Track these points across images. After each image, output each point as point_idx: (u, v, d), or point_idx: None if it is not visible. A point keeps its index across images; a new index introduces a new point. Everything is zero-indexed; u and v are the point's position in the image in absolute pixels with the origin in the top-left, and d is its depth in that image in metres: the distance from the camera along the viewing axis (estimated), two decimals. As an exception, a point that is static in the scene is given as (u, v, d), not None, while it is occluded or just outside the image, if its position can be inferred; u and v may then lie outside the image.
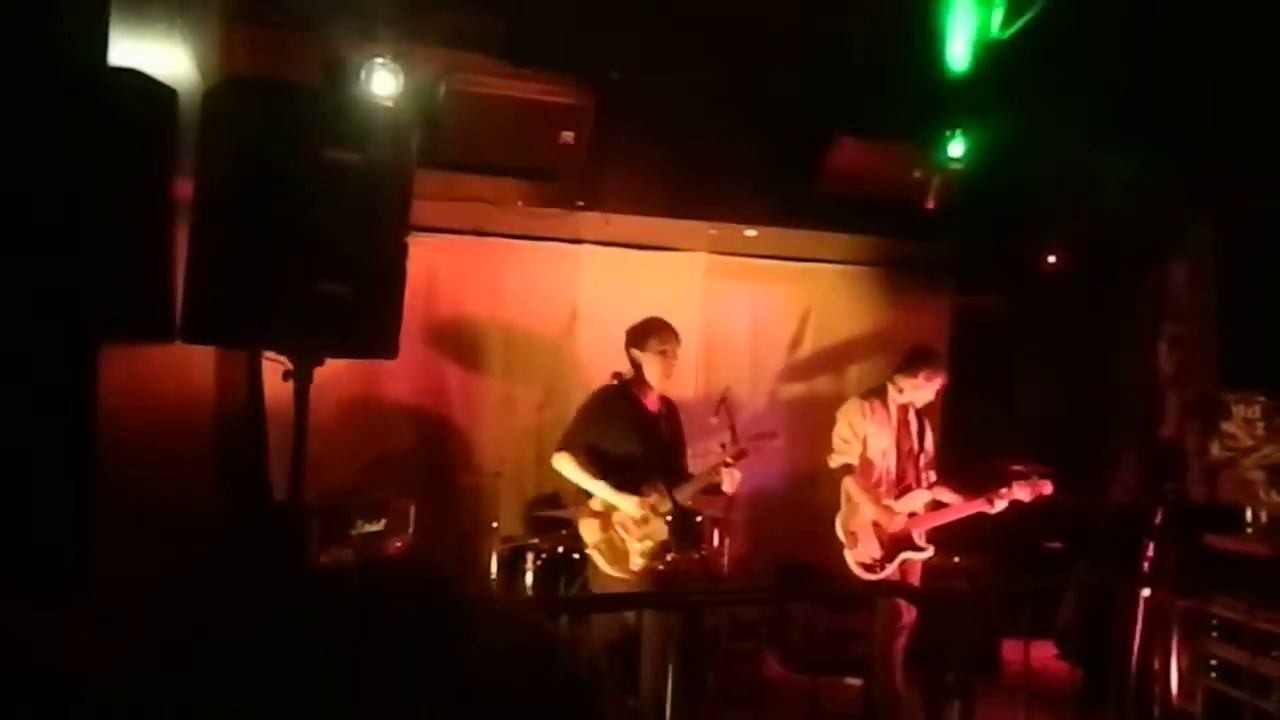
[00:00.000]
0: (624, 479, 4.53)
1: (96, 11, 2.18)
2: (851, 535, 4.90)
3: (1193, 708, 4.28)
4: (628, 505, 4.51)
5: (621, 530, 4.55)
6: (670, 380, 4.72)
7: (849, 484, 4.91)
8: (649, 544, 4.54)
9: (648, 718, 4.39)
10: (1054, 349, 6.82)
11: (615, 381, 4.70)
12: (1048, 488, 4.81)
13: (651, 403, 4.73)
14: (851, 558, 4.88)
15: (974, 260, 6.86)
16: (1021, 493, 4.78)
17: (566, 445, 4.60)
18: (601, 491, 4.54)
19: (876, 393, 5.04)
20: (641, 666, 4.44)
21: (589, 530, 4.63)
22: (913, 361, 4.98)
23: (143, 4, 2.68)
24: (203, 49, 3.38)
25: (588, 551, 4.65)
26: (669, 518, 4.53)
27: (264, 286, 2.89)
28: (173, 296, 2.88)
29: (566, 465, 4.59)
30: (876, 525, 4.83)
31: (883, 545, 4.82)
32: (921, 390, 4.96)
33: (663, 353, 4.60)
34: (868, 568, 4.83)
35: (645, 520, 4.53)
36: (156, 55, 2.75)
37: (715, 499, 5.97)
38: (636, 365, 4.68)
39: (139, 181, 2.47)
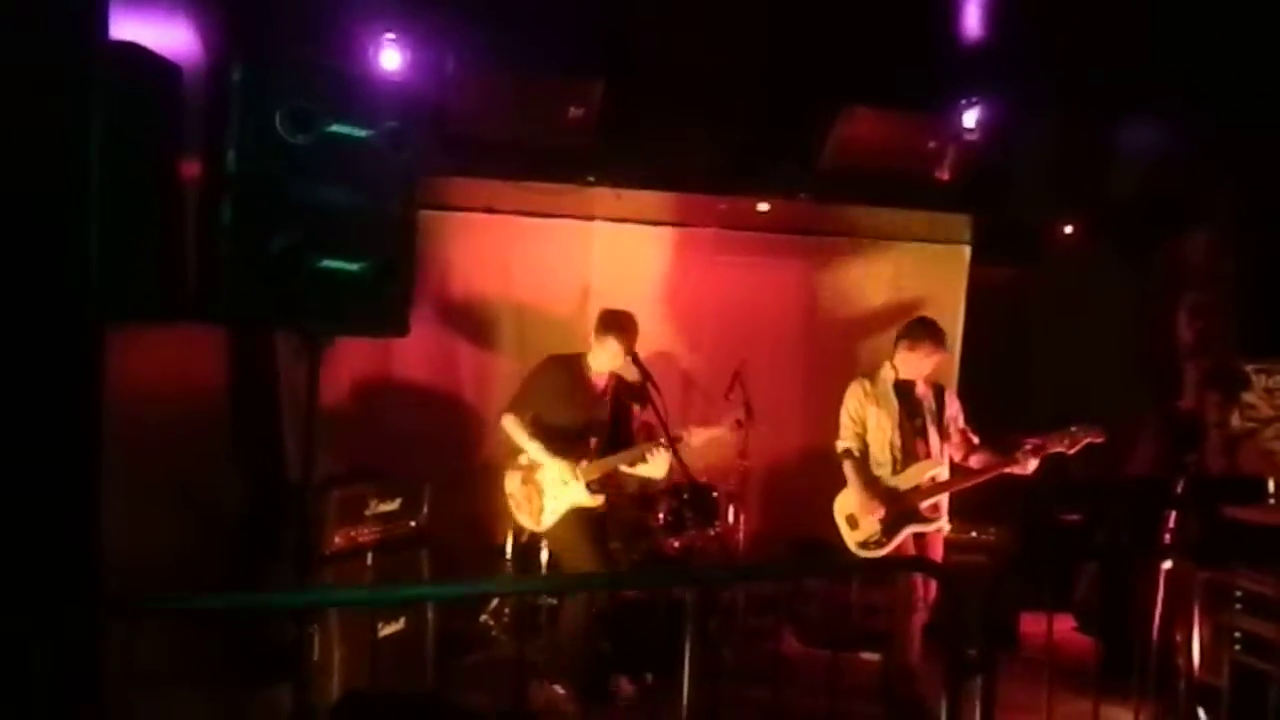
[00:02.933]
0: (557, 446, 4.83)
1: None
2: (849, 518, 4.89)
3: (1217, 680, 4.23)
4: (557, 468, 4.80)
5: (539, 488, 4.87)
6: (608, 369, 4.98)
7: (846, 468, 4.93)
8: (564, 505, 4.82)
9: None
10: (1071, 320, 6.75)
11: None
12: (1098, 435, 4.72)
13: (599, 379, 5.00)
14: (851, 539, 4.88)
15: (990, 231, 6.78)
16: (1059, 445, 4.69)
17: (512, 408, 4.93)
18: (535, 453, 4.85)
19: (874, 372, 5.03)
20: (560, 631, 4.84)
21: (511, 480, 4.99)
22: (899, 335, 4.98)
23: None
24: (209, 24, 3.33)
25: (506, 496, 5.00)
26: (591, 486, 4.84)
27: (274, 264, 2.86)
28: (183, 275, 2.85)
29: (511, 425, 4.89)
30: (878, 508, 4.80)
31: (882, 522, 4.79)
32: (911, 363, 4.93)
33: (613, 352, 4.84)
34: (865, 546, 4.82)
35: (565, 483, 4.81)
36: (161, 31, 2.71)
37: (730, 474, 5.99)
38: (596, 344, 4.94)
39: (144, 158, 2.44)
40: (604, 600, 4.87)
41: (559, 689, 4.65)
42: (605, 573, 4.85)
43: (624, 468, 4.97)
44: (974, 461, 4.89)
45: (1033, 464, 4.71)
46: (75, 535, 1.94)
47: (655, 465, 4.87)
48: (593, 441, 4.89)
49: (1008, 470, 4.75)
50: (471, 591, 5.44)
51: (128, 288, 2.31)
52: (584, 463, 4.81)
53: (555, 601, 5.32)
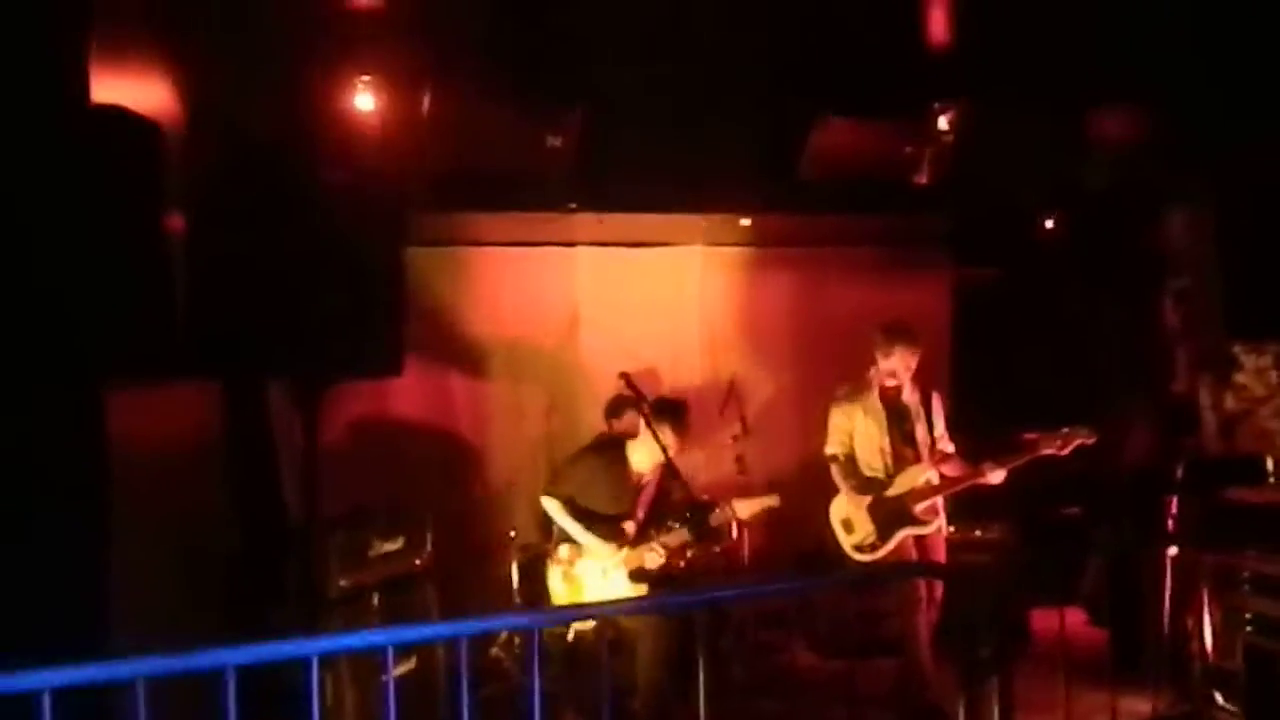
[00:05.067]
0: (596, 530, 4.80)
1: (77, 51, 2.16)
2: (844, 522, 4.93)
3: (1231, 664, 4.23)
4: (603, 552, 4.79)
5: (580, 584, 4.85)
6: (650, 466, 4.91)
7: (834, 471, 4.99)
8: (604, 591, 4.79)
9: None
10: (1058, 314, 6.78)
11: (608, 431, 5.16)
12: (1089, 437, 4.72)
13: (640, 475, 4.94)
14: (847, 543, 4.92)
15: (971, 232, 6.82)
16: (1050, 447, 4.70)
17: (552, 490, 4.92)
18: (577, 534, 4.82)
19: (860, 380, 5.05)
20: (639, 670, 4.64)
21: (553, 576, 4.95)
22: (875, 342, 4.98)
23: (123, 42, 2.65)
24: (186, 79, 3.35)
25: (551, 596, 4.96)
26: (630, 570, 4.80)
27: (263, 314, 2.86)
28: (174, 330, 2.85)
29: (553, 508, 4.87)
30: (869, 507, 4.83)
31: (876, 524, 4.82)
32: (889, 369, 4.92)
33: (662, 445, 4.68)
34: (860, 549, 4.85)
35: (605, 573, 4.80)
36: (138, 89, 2.73)
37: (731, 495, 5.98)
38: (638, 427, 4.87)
39: (129, 218, 2.45)
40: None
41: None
42: (610, 600, 4.81)
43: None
44: (945, 470, 4.91)
45: (998, 475, 4.74)
46: (83, 592, 1.93)
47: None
48: (630, 528, 4.85)
49: (976, 481, 4.79)
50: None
51: (120, 345, 2.31)
52: (624, 551, 4.79)
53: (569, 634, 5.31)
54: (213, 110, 3.38)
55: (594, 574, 4.82)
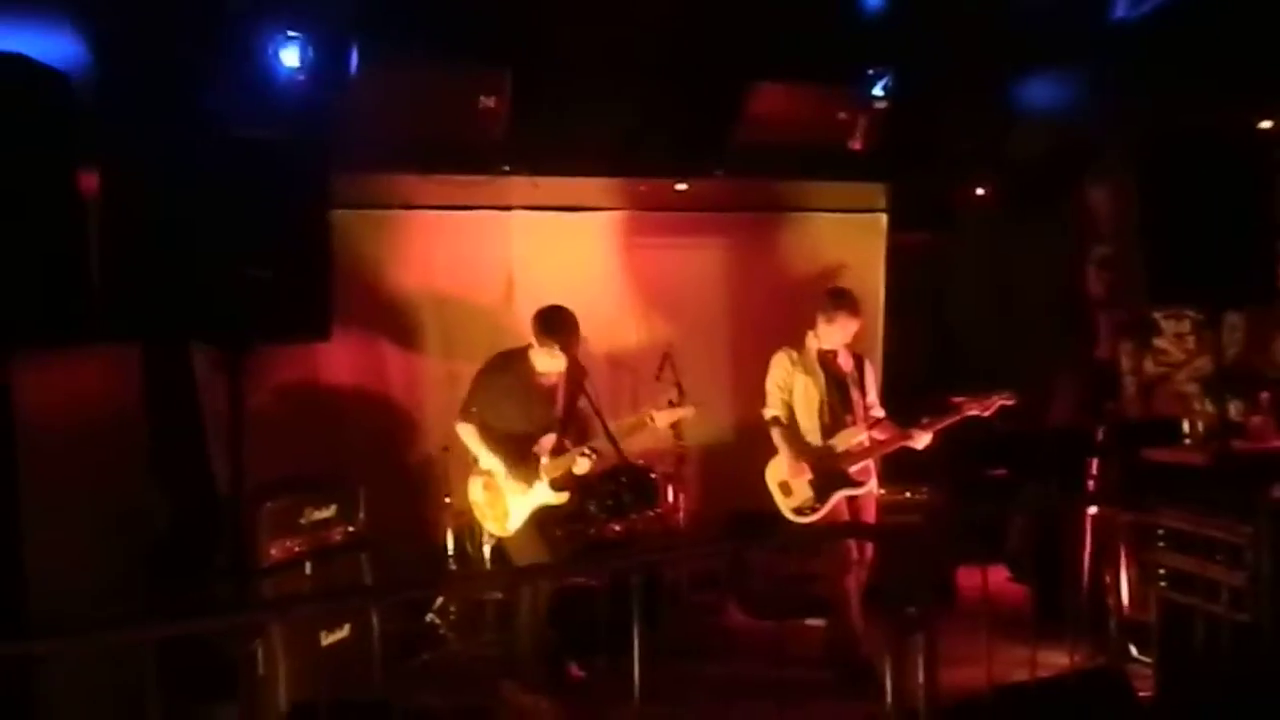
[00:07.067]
0: (514, 454, 4.74)
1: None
2: (782, 485, 4.97)
3: (1146, 617, 4.38)
4: (512, 486, 4.75)
5: (502, 492, 4.78)
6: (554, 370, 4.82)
7: (775, 435, 5.00)
8: (529, 507, 4.73)
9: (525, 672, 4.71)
10: (988, 280, 6.90)
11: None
12: (1009, 399, 4.85)
13: (546, 377, 4.83)
14: (785, 506, 4.96)
15: (906, 198, 6.89)
16: (974, 409, 4.83)
17: (464, 415, 4.82)
18: (494, 466, 4.76)
19: (799, 342, 5.10)
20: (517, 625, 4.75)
21: (474, 487, 4.89)
22: (819, 306, 5.03)
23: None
24: (103, 31, 3.23)
25: (471, 505, 4.94)
26: (555, 483, 4.74)
27: (183, 275, 2.78)
28: (89, 293, 2.76)
29: (467, 435, 4.82)
30: (805, 470, 4.90)
31: (813, 487, 4.89)
32: (831, 334, 4.99)
33: (556, 357, 4.67)
34: (800, 512, 4.91)
35: (524, 490, 4.75)
36: (46, 41, 2.62)
37: (666, 455, 6.02)
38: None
39: (36, 173, 2.35)
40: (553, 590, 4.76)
41: (517, 685, 4.63)
42: (554, 563, 4.83)
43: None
44: (876, 433, 5.00)
45: (925, 439, 4.86)
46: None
47: (581, 465, 4.73)
48: (550, 439, 4.77)
49: (904, 444, 4.90)
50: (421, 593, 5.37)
51: (31, 311, 2.23)
52: (545, 460, 4.71)
53: (501, 596, 5.31)
54: (129, 63, 3.26)
55: (517, 485, 4.75)
